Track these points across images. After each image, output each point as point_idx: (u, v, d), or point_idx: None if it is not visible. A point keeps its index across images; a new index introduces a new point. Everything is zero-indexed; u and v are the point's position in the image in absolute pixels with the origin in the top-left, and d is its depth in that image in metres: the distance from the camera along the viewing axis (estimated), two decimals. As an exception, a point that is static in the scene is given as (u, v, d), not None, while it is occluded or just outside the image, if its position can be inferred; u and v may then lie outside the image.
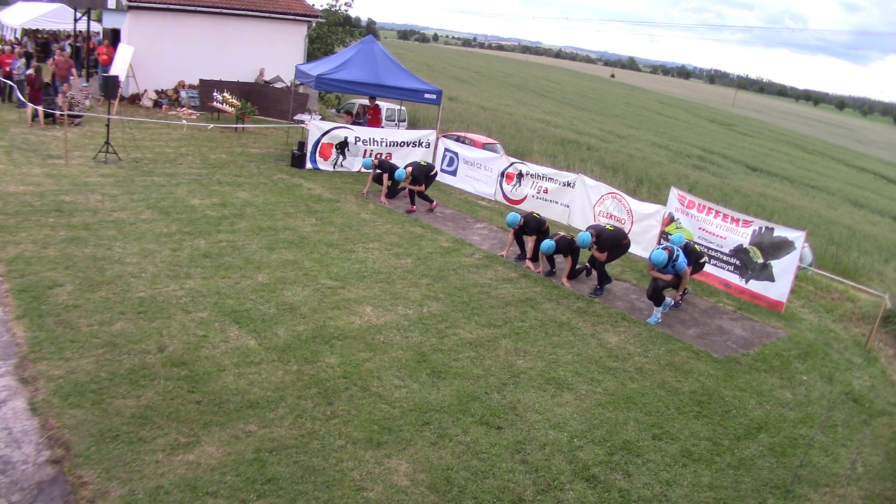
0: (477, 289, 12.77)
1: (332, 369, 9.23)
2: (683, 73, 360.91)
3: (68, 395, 8.04)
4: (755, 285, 14.09)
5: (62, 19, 41.99)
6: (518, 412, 8.78)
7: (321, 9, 40.11)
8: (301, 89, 26.57)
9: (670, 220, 15.30)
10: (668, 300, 12.67)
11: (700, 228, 14.74)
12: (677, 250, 12.21)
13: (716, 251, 14.51)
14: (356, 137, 20.75)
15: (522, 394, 9.24)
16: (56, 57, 27.21)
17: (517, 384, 9.47)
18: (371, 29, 67.82)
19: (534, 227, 14.35)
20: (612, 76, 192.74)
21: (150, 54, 28.55)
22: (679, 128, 73.23)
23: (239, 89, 27.89)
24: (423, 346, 10.19)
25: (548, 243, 13.51)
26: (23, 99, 23.97)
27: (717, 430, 9.14)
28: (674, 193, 15.47)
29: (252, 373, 8.92)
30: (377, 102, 24.06)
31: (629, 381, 10.06)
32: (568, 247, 13.74)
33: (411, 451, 7.72)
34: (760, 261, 13.95)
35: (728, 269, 14.46)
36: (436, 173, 18.39)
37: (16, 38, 41.29)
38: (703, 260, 13.44)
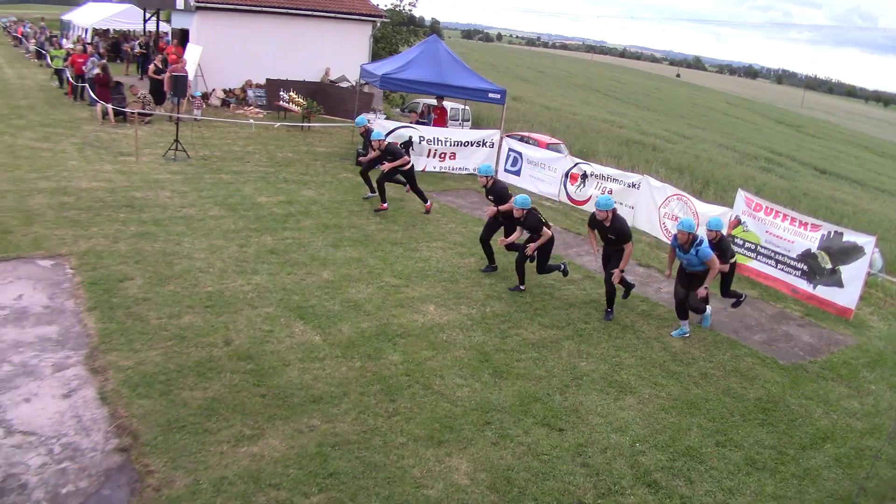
0: (540, 289, 12.71)
1: (394, 366, 9.28)
2: (750, 72, 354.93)
3: (137, 385, 8.22)
4: (823, 291, 13.75)
5: (132, 20, 42.86)
6: (580, 414, 8.72)
7: (386, 9, 40.36)
8: (366, 89, 26.70)
9: (737, 223, 15.04)
10: (684, 328, 11.66)
11: (767, 232, 14.46)
12: (700, 237, 11.27)
13: (783, 255, 14.22)
14: (420, 137, 20.80)
15: (585, 396, 9.17)
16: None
17: (579, 386, 9.40)
18: (435, 28, 67.98)
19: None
20: (678, 76, 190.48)
21: (218, 54, 29.03)
22: (746, 129, 72.03)
23: (305, 89, 28.15)
24: (485, 346, 10.17)
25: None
26: (94, 97, 24.54)
27: (782, 439, 8.93)
28: (741, 196, 15.19)
29: (316, 368, 9.02)
30: (444, 103, 24.06)
31: (693, 385, 9.90)
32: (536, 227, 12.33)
33: (472, 450, 7.71)
34: (829, 266, 13.62)
35: (795, 274, 14.14)
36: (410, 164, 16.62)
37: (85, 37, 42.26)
38: (732, 260, 12.62)
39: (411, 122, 23.01)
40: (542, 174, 20.12)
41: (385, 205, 16.21)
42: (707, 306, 11.87)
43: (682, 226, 11.09)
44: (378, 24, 33.78)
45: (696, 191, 27.39)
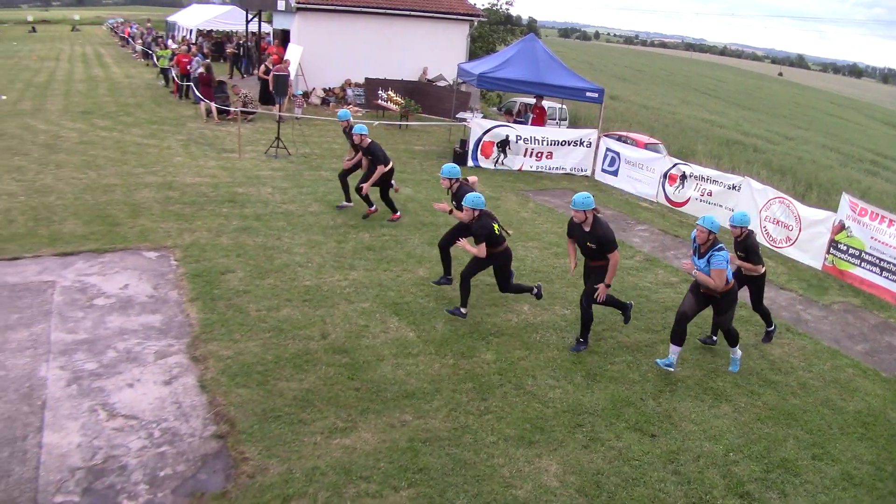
0: (636, 292, 12.52)
1: (487, 365, 9.28)
2: (855, 71, 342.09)
3: (235, 374, 8.45)
4: (932, 301, 13.20)
5: (235, 21, 43.83)
6: (673, 421, 8.54)
7: (483, 8, 40.40)
8: (463, 88, 26.81)
9: (841, 227, 14.54)
10: (672, 358, 9.66)
11: (872, 238, 13.92)
12: (721, 244, 9.36)
13: (889, 263, 13.68)
14: (517, 136, 20.76)
15: (679, 402, 8.97)
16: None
17: (674, 392, 9.21)
18: (532, 27, 67.72)
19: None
20: (780, 74, 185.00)
21: (318, 54, 29.53)
22: (851, 130, 69.58)
23: (403, 88, 28.41)
24: None
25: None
26: (199, 96, 25.24)
27: (882, 455, 8.54)
28: (845, 200, 14.66)
29: (410, 364, 9.09)
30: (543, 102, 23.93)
31: (791, 396, 9.56)
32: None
33: (562, 452, 7.65)
34: (939, 275, 13.07)
35: (902, 283, 13.62)
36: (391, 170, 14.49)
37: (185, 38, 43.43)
38: (762, 269, 10.70)
39: (507, 122, 23.00)
40: (639, 175, 19.85)
41: (398, 213, 14.99)
42: (738, 348, 10.08)
43: (703, 222, 9.29)
44: (475, 24, 33.86)
45: (799, 194, 26.54)
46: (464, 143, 21.14)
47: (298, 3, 29.23)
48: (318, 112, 27.40)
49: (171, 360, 8.84)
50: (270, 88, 25.14)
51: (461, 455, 7.36)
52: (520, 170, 20.62)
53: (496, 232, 10.22)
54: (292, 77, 26.35)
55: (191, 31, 47.99)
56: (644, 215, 17.88)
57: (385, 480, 6.88)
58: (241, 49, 40.36)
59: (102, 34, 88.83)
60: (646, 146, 22.69)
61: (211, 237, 12.81)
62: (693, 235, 9.56)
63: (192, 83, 27.58)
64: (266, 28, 39.83)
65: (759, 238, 15.68)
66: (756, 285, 10.77)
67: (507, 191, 18.23)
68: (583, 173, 21.02)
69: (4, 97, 29.89)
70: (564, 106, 30.02)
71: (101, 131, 22.24)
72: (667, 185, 19.00)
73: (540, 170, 21.00)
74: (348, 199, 15.40)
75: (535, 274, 12.61)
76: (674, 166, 18.80)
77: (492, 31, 44.76)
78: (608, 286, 9.81)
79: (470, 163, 20.68)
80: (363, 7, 30.20)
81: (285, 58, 27.62)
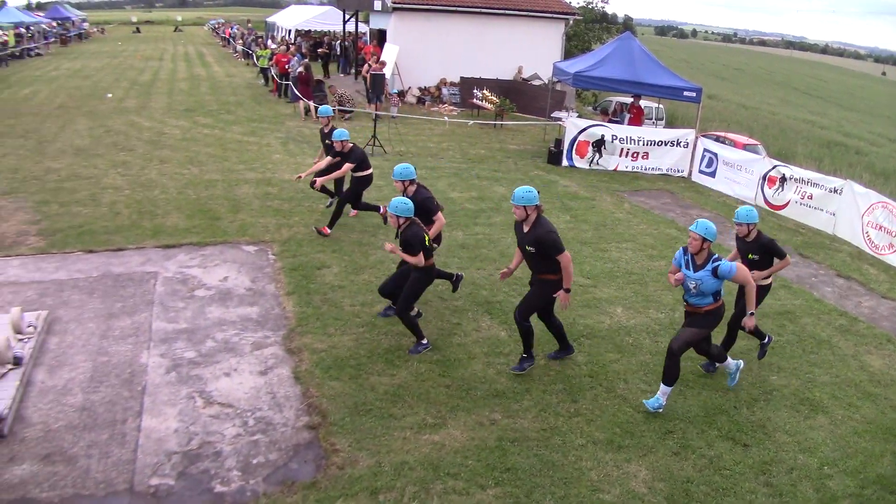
0: (732, 297, 12.18)
1: (578, 367, 9.19)
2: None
3: (329, 367, 8.60)
4: None
5: (332, 21, 44.42)
6: (767, 431, 8.25)
7: (578, 6, 40.12)
8: (558, 87, 26.65)
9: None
10: (659, 399, 8.37)
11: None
12: (717, 255, 8.11)
13: None
14: (613, 136, 20.54)
15: (773, 412, 8.66)
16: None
17: (768, 401, 8.90)
18: (628, 25, 66.70)
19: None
20: (883, 74, 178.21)
21: (414, 53, 29.73)
22: (961, 133, 66.72)
23: (498, 87, 28.40)
24: None
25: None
26: (298, 94, 25.71)
27: None
28: (954, 207, 14.07)
29: (500, 363, 9.07)
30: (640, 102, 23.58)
31: (890, 410, 9.08)
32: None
33: (652, 458, 7.50)
34: None
35: None
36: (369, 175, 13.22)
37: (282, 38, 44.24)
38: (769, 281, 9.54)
39: (603, 121, 22.77)
40: (738, 176, 19.37)
41: (355, 212, 13.98)
42: (730, 359, 8.98)
43: (696, 227, 8.03)
44: (571, 22, 33.63)
45: (904, 198, 25.60)
46: (559, 142, 21.00)
47: (395, 2, 29.52)
48: (414, 111, 27.61)
49: (267, 351, 9.05)
50: (367, 87, 25.43)
51: (549, 456, 7.31)
52: (615, 170, 20.39)
53: (427, 244, 9.02)
54: (388, 76, 26.60)
55: (289, 31, 48.94)
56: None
57: (472, 478, 6.88)
58: (339, 49, 40.93)
59: (204, 34, 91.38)
60: (744, 147, 22.13)
61: (308, 233, 13.06)
62: (682, 248, 8.30)
63: (290, 82, 28.11)
64: (363, 28, 40.27)
65: (861, 243, 15.19)
66: (759, 295, 9.17)
67: (602, 191, 18.04)
68: (679, 174, 20.65)
69: (111, 95, 31.04)
70: (661, 105, 29.54)
71: (203, 128, 22.89)
72: (766, 187, 18.50)
73: (636, 170, 20.72)
74: (332, 196, 14.57)
75: (630, 276, 12.42)
76: (773, 168, 18.30)
77: (587, 30, 44.40)
78: (567, 290, 8.53)
79: (565, 162, 20.55)
80: (459, 6, 30.30)
81: (381, 57, 27.91)
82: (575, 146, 20.61)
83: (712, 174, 20.15)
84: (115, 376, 8.36)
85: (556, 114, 24.69)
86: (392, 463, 7.01)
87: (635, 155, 20.73)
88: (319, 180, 13.36)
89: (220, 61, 49.85)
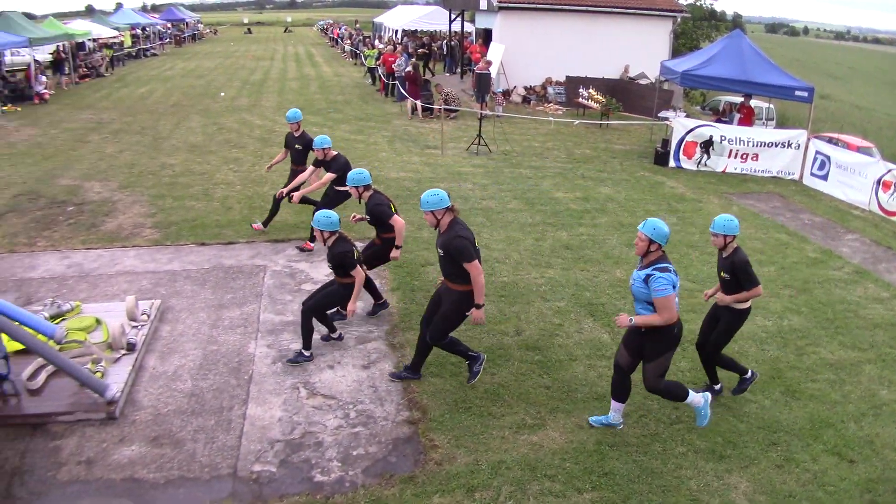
0: (843, 306, 11.70)
1: (681, 373, 8.94)
2: None
3: (430, 364, 8.59)
4: None
5: (438, 20, 44.70)
6: (875, 447, 7.81)
7: (686, 4, 39.41)
8: (666, 86, 26.18)
9: None
10: (612, 417, 7.70)
11: None
12: (665, 264, 6.96)
13: None
14: (721, 136, 20.05)
15: (882, 428, 8.19)
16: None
17: (877, 416, 8.42)
18: (737, 23, 65.00)
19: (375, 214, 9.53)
20: None
21: (520, 52, 29.67)
22: None
23: (604, 86, 28.10)
24: (778, 362, 9.46)
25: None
26: (405, 94, 25.95)
27: None
28: None
29: (602, 366, 8.92)
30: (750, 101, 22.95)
31: None
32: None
33: (754, 470, 7.22)
34: None
35: None
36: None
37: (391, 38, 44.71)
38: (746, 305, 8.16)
39: (711, 121, 22.26)
40: (851, 180, 18.64)
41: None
42: (694, 394, 7.58)
43: (643, 226, 7.01)
44: (678, 20, 33.06)
45: None
46: (666, 142, 20.63)
47: (500, 2, 29.52)
48: (519, 110, 27.54)
49: (371, 345, 9.17)
50: (473, 86, 25.49)
51: (648, 463, 7.15)
52: (723, 171, 19.90)
53: (355, 258, 8.61)
54: (494, 75, 26.61)
55: (396, 31, 49.45)
56: (855, 224, 16.72)
57: (569, 481, 6.79)
58: (444, 48, 41.16)
59: (313, 35, 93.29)
60: (858, 149, 21.30)
61: (413, 230, 13.14)
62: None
63: (397, 81, 28.41)
64: (469, 27, 40.41)
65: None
66: (731, 322, 8.19)
67: (709, 193, 17.61)
68: (790, 177, 19.98)
69: (223, 94, 31.93)
70: (771, 105, 28.71)
71: (311, 127, 23.23)
72: (880, 191, 17.75)
73: (745, 172, 20.15)
74: (268, 220, 13.20)
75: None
76: (888, 172, 17.52)
77: (695, 28, 43.61)
78: (479, 306, 7.83)
79: (672, 163, 20.16)
80: (566, 5, 30.12)
81: (487, 56, 27.95)
82: (682, 147, 20.19)
83: (824, 177, 19.44)
84: (224, 365, 8.60)
85: (663, 113, 24.24)
86: (489, 461, 6.99)
87: (744, 156, 20.17)
88: (297, 195, 12.14)
89: (328, 61, 50.75)
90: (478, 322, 7.94)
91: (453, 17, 39.86)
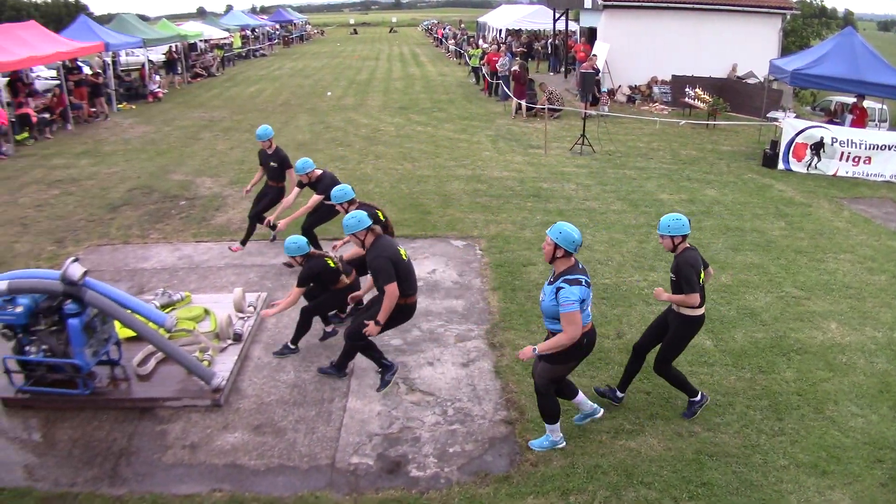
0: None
1: (786, 384, 8.66)
2: None
3: (529, 365, 8.46)
4: None
5: (542, 20, 44.53)
6: None
7: (796, 0, 38.31)
8: (775, 85, 25.50)
9: None
10: (550, 437, 7.24)
11: None
12: (577, 276, 6.48)
13: None
14: (833, 138, 19.39)
15: None
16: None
17: None
18: (849, 20, 62.87)
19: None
20: None
21: (624, 51, 29.33)
22: None
23: (711, 85, 27.51)
24: (888, 375, 8.99)
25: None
26: (508, 93, 25.95)
27: None
28: None
29: (703, 373, 8.73)
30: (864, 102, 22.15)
31: None
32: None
33: (857, 487, 6.90)
34: None
35: None
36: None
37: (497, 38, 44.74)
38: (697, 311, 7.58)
39: (822, 122, 21.56)
40: (971, 186, 17.81)
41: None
42: (583, 396, 7.48)
43: (550, 231, 6.55)
44: (788, 17, 32.13)
45: None
46: (774, 144, 20.07)
47: (605, 0, 29.23)
48: (624, 110, 27.22)
49: (470, 344, 9.22)
50: (577, 86, 25.32)
51: (748, 475, 6.94)
52: (834, 175, 19.23)
53: (328, 271, 8.80)
54: (599, 75, 26.39)
55: (500, 30, 49.45)
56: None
57: (665, 489, 6.67)
58: (549, 47, 40.99)
59: (418, 35, 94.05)
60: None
61: (515, 230, 13.17)
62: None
63: (500, 80, 28.44)
64: (573, 26, 40.16)
65: None
66: (680, 330, 7.64)
67: (819, 197, 17.05)
68: (906, 182, 19.22)
69: (330, 93, 32.52)
70: (885, 106, 27.61)
71: (416, 126, 23.59)
72: None
73: (856, 176, 19.41)
74: (246, 238, 12.62)
75: (847, 290, 11.52)
76: None
77: (805, 25, 42.43)
78: (378, 323, 7.74)
79: (780, 165, 19.60)
80: (672, 3, 29.64)
81: (592, 55, 27.72)
82: (792, 148, 19.60)
83: (944, 184, 18.60)
84: (326, 357, 8.80)
85: (772, 114, 23.60)
86: (585, 465, 6.93)
87: (857, 160, 19.44)
88: (283, 222, 11.26)
89: (433, 61, 51.11)
90: (370, 333, 7.83)
91: (557, 15, 39.68)
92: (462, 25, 68.08)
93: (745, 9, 30.17)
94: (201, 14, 73.29)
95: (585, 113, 21.38)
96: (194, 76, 40.00)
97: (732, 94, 27.10)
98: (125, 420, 7.76)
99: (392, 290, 7.56)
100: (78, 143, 22.31)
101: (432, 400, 8.00)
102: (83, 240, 13.20)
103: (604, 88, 27.36)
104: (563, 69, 37.58)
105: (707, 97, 26.04)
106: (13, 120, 22.39)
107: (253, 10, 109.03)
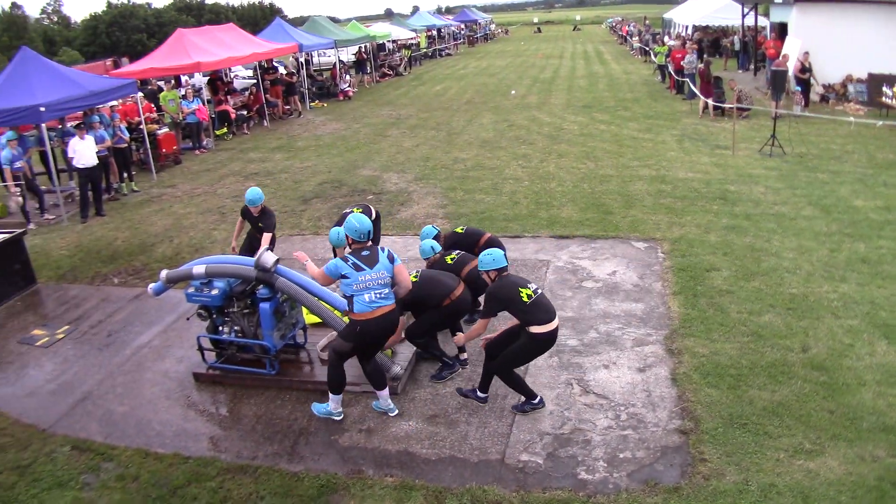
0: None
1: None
2: None
3: (707, 374, 8.37)
4: None
5: (730, 15, 43.12)
6: None
7: None
8: None
9: None
10: (329, 406, 7.88)
11: None
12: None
13: None
14: None
15: None
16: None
17: None
18: None
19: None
20: None
21: (817, 47, 27.90)
22: None
23: (914, 85, 25.84)
24: None
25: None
26: (695, 91, 25.32)
27: None
28: None
29: (893, 394, 8.10)
30: None
31: None
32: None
33: None
34: None
35: None
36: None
37: (687, 34, 43.60)
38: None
39: None
40: None
41: None
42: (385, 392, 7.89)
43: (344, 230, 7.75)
44: None
45: None
46: None
47: (797, -6, 28.04)
48: (817, 109, 25.95)
49: (648, 349, 9.08)
50: (768, 84, 24.40)
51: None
52: None
53: None
54: (790, 73, 25.30)
55: (686, 27, 48.22)
56: None
57: (841, 517, 6.30)
58: (738, 44, 39.67)
59: (602, 33, 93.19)
60: None
61: (699, 233, 12.84)
62: None
63: (687, 78, 27.79)
64: (762, 21, 38.66)
65: None
66: (526, 343, 7.51)
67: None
68: None
69: (514, 92, 32.75)
70: None
71: (599, 124, 23.43)
72: None
73: None
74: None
75: None
76: None
77: None
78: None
79: None
80: (872, -2, 27.98)
81: (783, 52, 26.63)
82: None
83: None
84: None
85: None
86: (760, 483, 6.65)
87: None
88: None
89: (617, 59, 50.49)
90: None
91: (746, 11, 38.33)
92: (647, 22, 66.93)
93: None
94: (389, 15, 75.75)
95: (776, 113, 20.55)
96: (382, 76, 41.27)
97: (939, 94, 25.36)
98: (307, 401, 8.23)
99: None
100: (273, 138, 23.56)
101: (605, 403, 7.94)
102: (276, 229, 13.71)
103: (797, 87, 26.17)
104: (752, 67, 36.25)
105: (909, 97, 24.49)
106: (213, 116, 23.99)
107: (438, 11, 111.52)
